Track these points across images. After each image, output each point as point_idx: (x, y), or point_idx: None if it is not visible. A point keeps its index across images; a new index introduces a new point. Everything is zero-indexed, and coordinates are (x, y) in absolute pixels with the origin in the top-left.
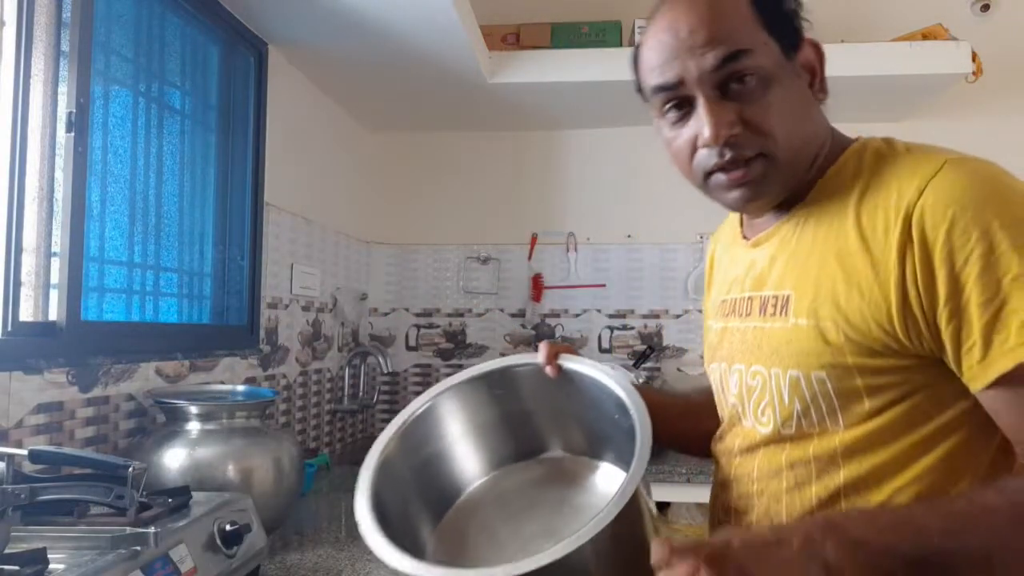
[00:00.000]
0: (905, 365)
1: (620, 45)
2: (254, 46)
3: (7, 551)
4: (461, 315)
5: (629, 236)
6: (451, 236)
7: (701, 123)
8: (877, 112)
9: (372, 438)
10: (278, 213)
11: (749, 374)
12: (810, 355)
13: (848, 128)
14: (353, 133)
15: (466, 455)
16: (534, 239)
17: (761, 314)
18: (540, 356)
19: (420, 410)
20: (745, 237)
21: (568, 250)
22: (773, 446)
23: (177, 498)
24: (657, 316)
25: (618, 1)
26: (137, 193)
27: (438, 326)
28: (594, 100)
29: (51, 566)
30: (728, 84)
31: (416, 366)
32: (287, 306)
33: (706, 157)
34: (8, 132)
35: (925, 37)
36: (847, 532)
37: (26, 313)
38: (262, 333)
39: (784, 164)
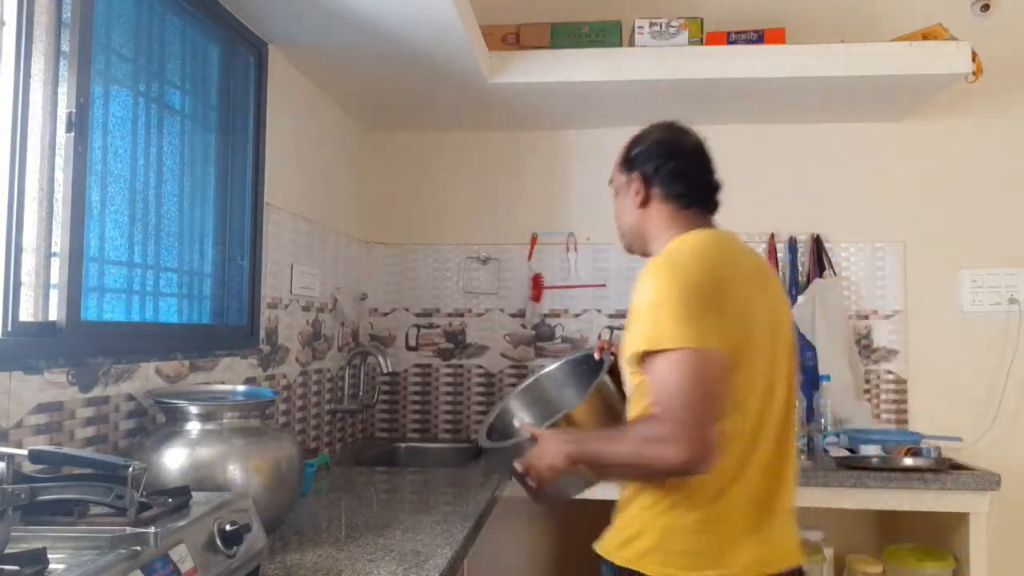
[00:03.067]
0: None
1: (620, 45)
2: (254, 46)
3: (7, 551)
4: (461, 315)
5: None
6: (451, 236)
7: None
8: (877, 112)
9: (372, 438)
10: (278, 213)
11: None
12: (626, 349)
13: (848, 128)
14: (353, 133)
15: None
16: (534, 239)
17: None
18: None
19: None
20: None
21: (568, 250)
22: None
23: (177, 498)
24: None
25: (618, 1)
26: (137, 193)
27: (438, 326)
28: (594, 100)
29: (51, 566)
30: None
31: (416, 366)
32: (287, 306)
33: None
34: (8, 132)
35: (925, 37)
36: (568, 441)
37: (26, 313)
38: (262, 333)
39: (625, 238)
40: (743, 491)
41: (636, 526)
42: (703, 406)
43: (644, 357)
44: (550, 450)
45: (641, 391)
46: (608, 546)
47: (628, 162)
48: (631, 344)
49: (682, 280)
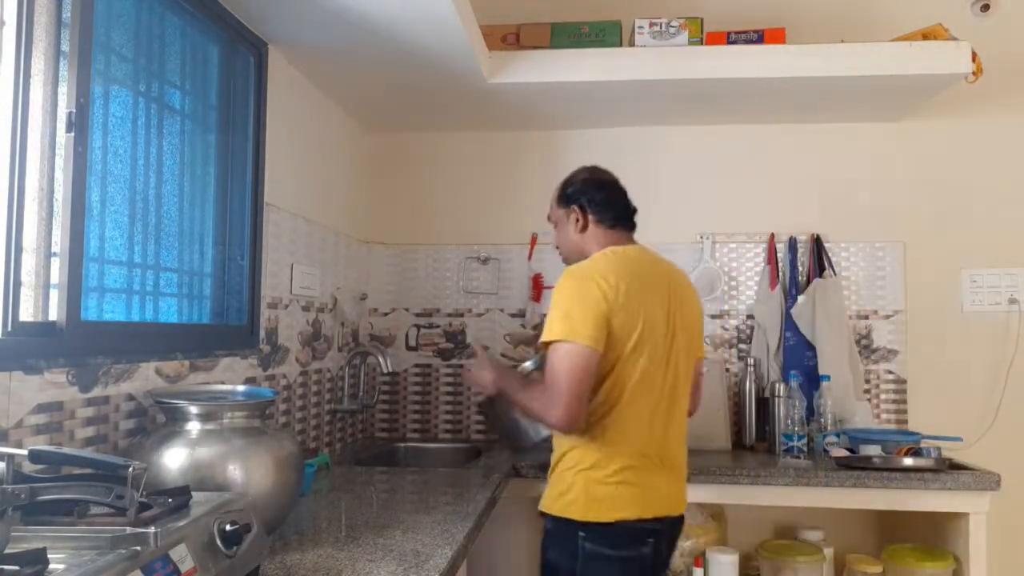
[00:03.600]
0: None
1: (620, 45)
2: (254, 46)
3: (7, 551)
4: (461, 315)
5: None
6: (451, 236)
7: None
8: (877, 112)
9: (372, 438)
10: (278, 213)
11: None
12: None
13: (848, 128)
14: (353, 133)
15: None
16: (534, 239)
17: None
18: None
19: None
20: None
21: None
22: None
23: (177, 498)
24: None
25: (618, 1)
26: (137, 193)
27: (438, 326)
28: (594, 100)
29: (51, 566)
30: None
31: (416, 366)
32: (287, 306)
33: None
34: (8, 132)
35: (925, 37)
36: (499, 374)
37: (26, 313)
38: (262, 333)
39: (566, 262)
40: (647, 450)
41: (565, 483)
42: (571, 386)
43: (547, 344)
44: (485, 372)
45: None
46: (546, 502)
47: (565, 198)
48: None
49: (572, 289)
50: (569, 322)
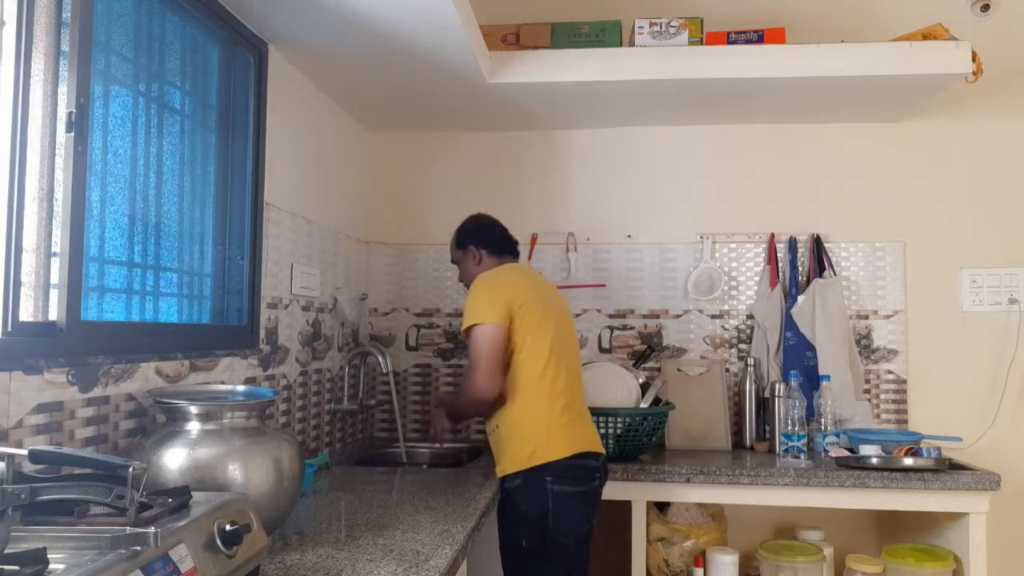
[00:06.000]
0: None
1: (620, 45)
2: (254, 46)
3: (7, 551)
4: (461, 315)
5: (629, 236)
6: (451, 236)
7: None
8: (877, 112)
9: (372, 438)
10: (278, 213)
11: None
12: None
13: (848, 128)
14: (353, 133)
15: None
16: (534, 239)
17: None
18: None
19: None
20: None
21: (568, 250)
22: None
23: (177, 498)
24: (657, 316)
25: (618, 1)
26: (137, 193)
27: (438, 326)
28: (594, 100)
29: (51, 566)
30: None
31: (416, 366)
32: (287, 306)
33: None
34: (8, 132)
35: (925, 37)
36: (444, 400)
37: (26, 313)
38: (262, 333)
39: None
40: (558, 403)
41: (504, 448)
42: (489, 358)
43: (466, 332)
44: (439, 418)
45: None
46: (498, 469)
47: (463, 243)
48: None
49: (481, 288)
50: (478, 310)
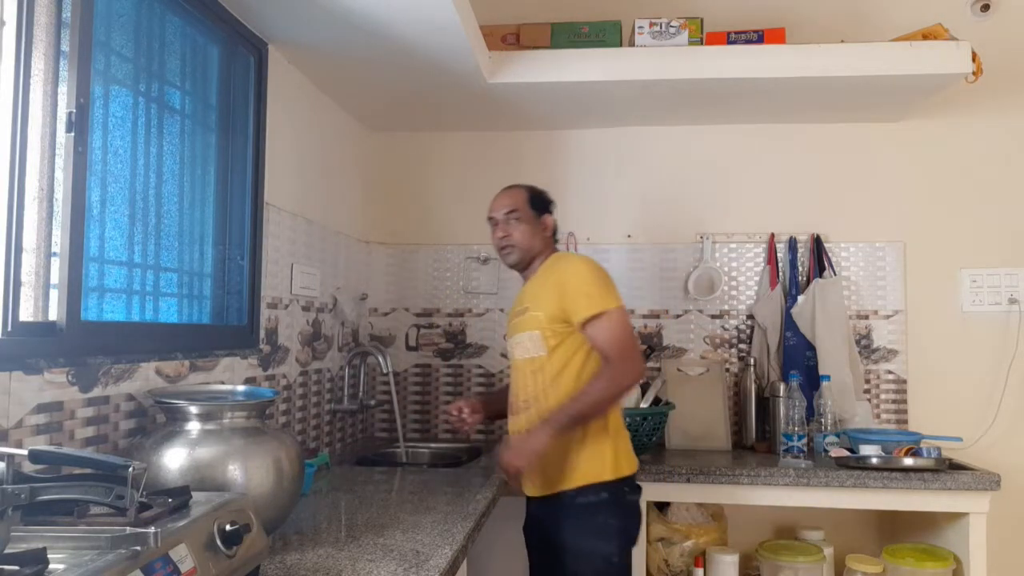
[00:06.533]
0: (564, 329)
1: (620, 45)
2: (254, 46)
3: (7, 551)
4: (461, 315)
5: (629, 236)
6: (451, 236)
7: (497, 231)
8: (877, 112)
9: (372, 438)
10: (278, 213)
11: (520, 335)
12: (532, 325)
13: (848, 128)
14: (353, 133)
15: None
16: None
17: (522, 313)
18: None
19: None
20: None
21: (568, 250)
22: (525, 362)
23: (177, 498)
24: (657, 316)
25: (618, 1)
26: (137, 193)
27: (438, 326)
28: (594, 100)
29: (51, 566)
30: (508, 219)
31: (416, 366)
32: (287, 306)
33: (497, 242)
34: (8, 132)
35: (925, 37)
36: (546, 417)
37: (26, 313)
38: (262, 333)
39: (519, 252)
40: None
41: (577, 456)
42: (636, 340)
43: (590, 319)
44: (526, 447)
45: (568, 345)
46: (565, 481)
47: (546, 206)
48: (573, 313)
49: (595, 271)
50: (609, 293)
